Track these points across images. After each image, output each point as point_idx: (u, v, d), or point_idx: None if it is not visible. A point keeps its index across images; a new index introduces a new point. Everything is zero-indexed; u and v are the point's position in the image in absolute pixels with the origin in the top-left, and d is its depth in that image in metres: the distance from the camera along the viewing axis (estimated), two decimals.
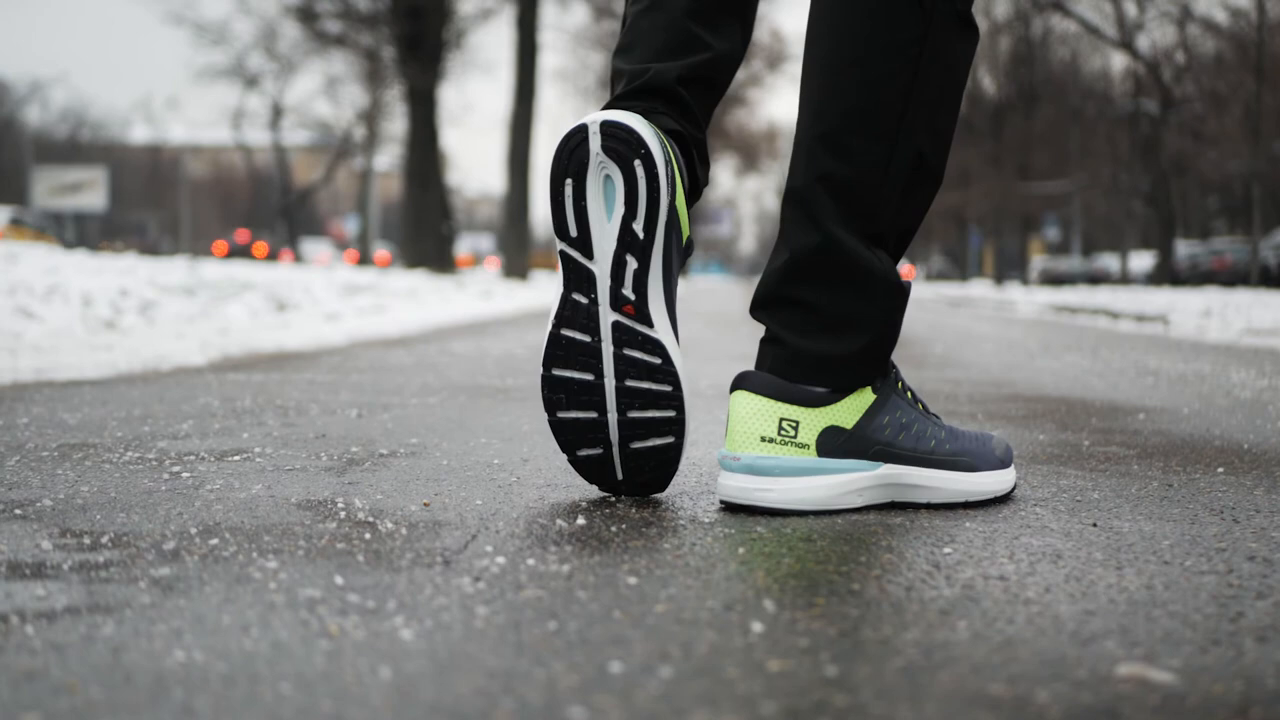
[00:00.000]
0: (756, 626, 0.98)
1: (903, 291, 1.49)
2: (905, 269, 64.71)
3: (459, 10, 25.81)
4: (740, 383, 1.48)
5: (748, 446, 1.45)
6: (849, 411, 1.48)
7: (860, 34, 1.45)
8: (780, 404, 1.46)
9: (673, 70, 1.52)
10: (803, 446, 1.45)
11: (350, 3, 26.20)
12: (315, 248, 43.90)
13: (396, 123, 32.92)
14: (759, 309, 1.52)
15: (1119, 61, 35.33)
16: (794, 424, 1.46)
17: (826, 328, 1.46)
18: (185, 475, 1.67)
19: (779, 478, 1.44)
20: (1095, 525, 1.42)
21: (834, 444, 1.47)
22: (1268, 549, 1.30)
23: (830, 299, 1.46)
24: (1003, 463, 1.58)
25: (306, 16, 27.02)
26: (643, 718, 0.77)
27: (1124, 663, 0.90)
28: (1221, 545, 1.32)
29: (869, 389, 1.49)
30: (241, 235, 42.93)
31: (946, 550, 1.27)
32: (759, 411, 1.46)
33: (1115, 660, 0.90)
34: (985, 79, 44.43)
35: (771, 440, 1.45)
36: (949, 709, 0.80)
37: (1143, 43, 29.49)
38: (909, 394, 1.55)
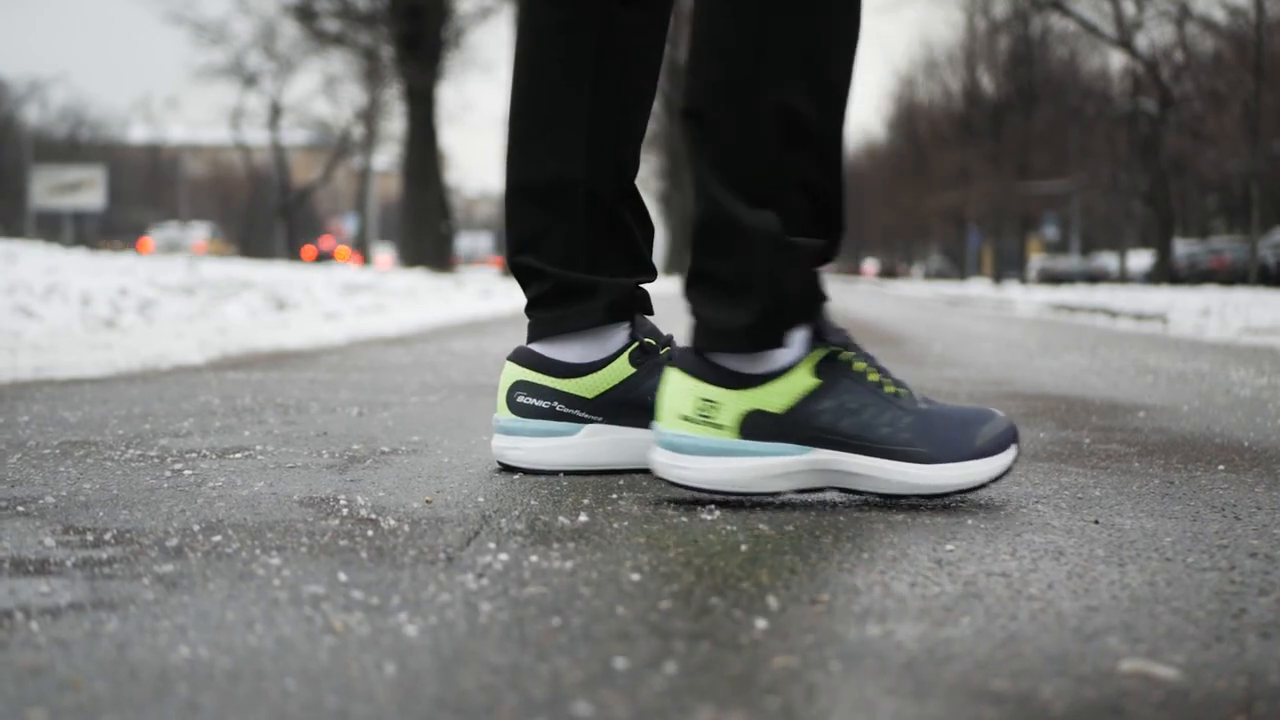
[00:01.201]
0: (760, 623, 0.98)
1: (788, 247, 1.44)
2: (900, 268, 64.41)
3: (458, 9, 25.83)
4: (671, 358, 1.50)
5: (669, 423, 1.48)
6: (779, 396, 1.46)
7: (706, 6, 1.47)
8: (700, 383, 1.47)
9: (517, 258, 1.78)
10: (719, 427, 1.46)
11: (349, 2, 26.22)
12: (379, 253, 45.03)
13: (395, 122, 32.94)
14: (685, 289, 1.53)
15: (1118, 61, 35.34)
16: (712, 404, 1.46)
17: (722, 295, 1.47)
18: (187, 473, 1.67)
19: (694, 456, 1.46)
20: (1097, 522, 1.42)
21: (759, 428, 1.46)
22: (1269, 546, 1.30)
23: (722, 265, 1.47)
24: (981, 453, 1.48)
25: (305, 15, 27.04)
26: (648, 714, 0.78)
27: (1127, 659, 0.90)
28: (1223, 542, 1.32)
29: (810, 374, 1.47)
30: (326, 241, 44.09)
31: (949, 547, 1.27)
32: (681, 389, 1.47)
33: (1119, 656, 0.91)
34: (984, 78, 44.44)
35: (689, 419, 1.47)
36: (953, 704, 0.80)
37: (1141, 42, 29.51)
38: (874, 376, 1.50)
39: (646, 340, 1.74)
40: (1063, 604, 1.05)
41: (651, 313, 1.78)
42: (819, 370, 1.47)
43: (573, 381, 1.72)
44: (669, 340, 1.77)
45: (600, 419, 1.72)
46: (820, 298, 1.49)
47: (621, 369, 1.72)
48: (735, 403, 1.46)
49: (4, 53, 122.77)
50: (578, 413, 1.71)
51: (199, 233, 51.32)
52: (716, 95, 1.46)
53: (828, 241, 1.49)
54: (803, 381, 1.47)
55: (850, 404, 1.47)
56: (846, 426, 1.47)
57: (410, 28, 24.16)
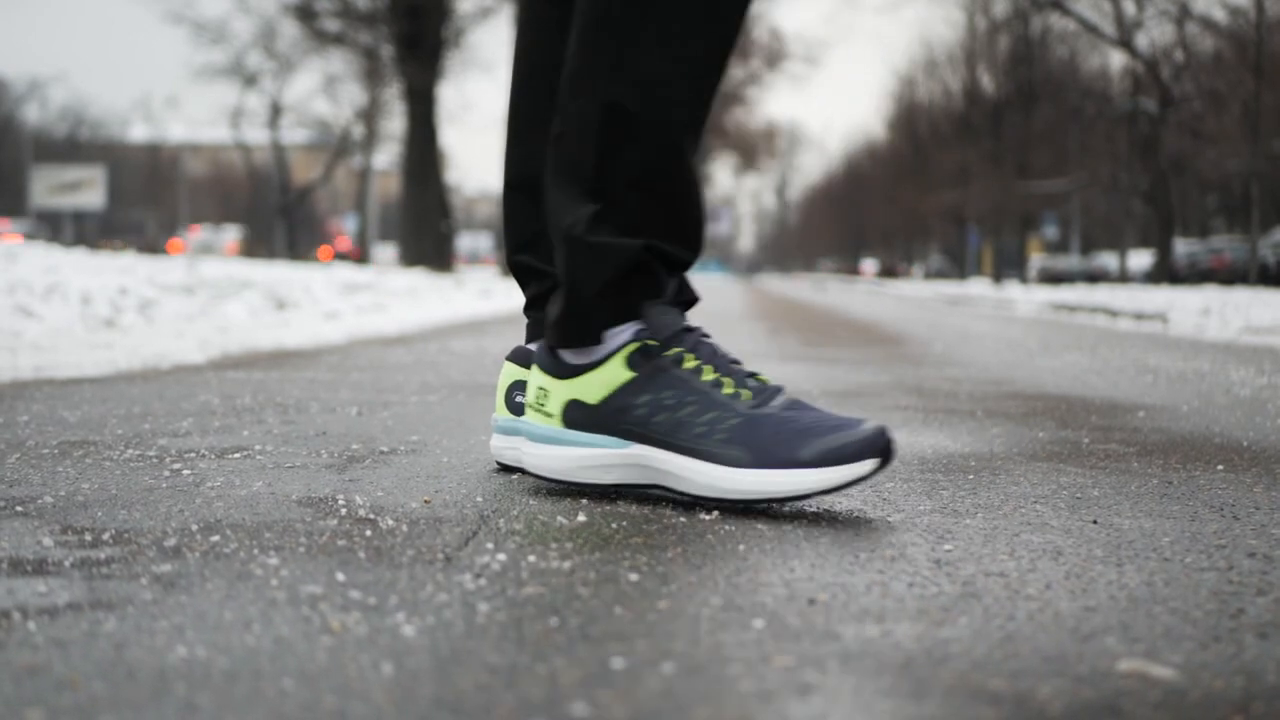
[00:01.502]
0: (757, 623, 0.98)
1: (590, 245, 1.44)
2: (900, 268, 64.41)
3: (458, 9, 25.83)
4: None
5: (526, 410, 1.56)
6: (595, 387, 1.48)
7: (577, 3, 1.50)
8: (539, 372, 1.53)
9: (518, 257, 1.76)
10: (549, 415, 1.51)
11: (349, 1, 26.20)
12: (382, 251, 45.67)
13: (395, 121, 32.96)
14: None
15: (1118, 60, 35.32)
16: (545, 392, 1.52)
17: (559, 288, 1.52)
18: (186, 472, 1.67)
19: (530, 442, 1.54)
20: (1095, 522, 1.42)
21: (578, 418, 1.49)
22: (1267, 546, 1.30)
23: (557, 258, 1.52)
24: (808, 463, 1.37)
25: (305, 15, 27.03)
26: (646, 714, 0.78)
27: (1125, 659, 0.90)
28: (1221, 542, 1.32)
29: (624, 367, 1.47)
30: (342, 242, 44.74)
31: (947, 547, 1.27)
32: (532, 379, 1.55)
33: (1116, 656, 0.91)
34: (984, 78, 44.44)
35: (531, 406, 1.54)
36: (951, 705, 0.80)
37: (1141, 41, 29.49)
38: (710, 375, 1.46)
39: None
40: (1060, 604, 1.05)
41: None
42: (632, 364, 1.47)
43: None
44: None
45: None
46: (639, 296, 1.47)
47: None
48: (560, 392, 1.51)
49: (4, 53, 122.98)
50: None
51: (231, 234, 53.05)
52: (565, 88, 1.48)
53: (662, 242, 1.46)
54: (617, 375, 1.48)
55: (667, 401, 1.45)
56: (660, 423, 1.45)
57: (410, 27, 24.15)
